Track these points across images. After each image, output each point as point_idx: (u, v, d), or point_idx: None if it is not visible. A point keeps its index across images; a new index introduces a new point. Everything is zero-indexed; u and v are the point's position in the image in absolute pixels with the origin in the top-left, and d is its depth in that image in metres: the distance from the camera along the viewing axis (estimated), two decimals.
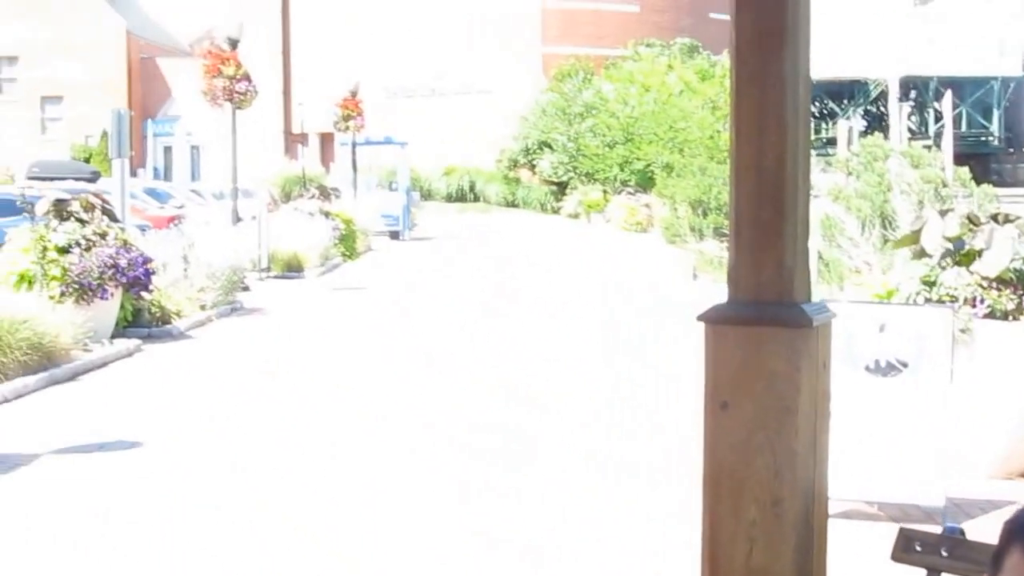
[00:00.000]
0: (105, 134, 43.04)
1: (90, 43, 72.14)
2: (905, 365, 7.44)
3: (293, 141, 71.59)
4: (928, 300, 9.52)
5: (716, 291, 15.42)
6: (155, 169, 63.88)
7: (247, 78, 23.18)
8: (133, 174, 61.55)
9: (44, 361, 12.70)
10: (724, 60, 55.71)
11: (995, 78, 54.50)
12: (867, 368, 7.49)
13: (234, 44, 23.44)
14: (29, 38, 72.06)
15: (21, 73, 73.66)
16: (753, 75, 2.82)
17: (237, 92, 23.05)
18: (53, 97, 73.08)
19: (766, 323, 2.78)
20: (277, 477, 8.89)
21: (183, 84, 66.94)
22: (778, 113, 2.78)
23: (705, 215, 31.61)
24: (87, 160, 55.82)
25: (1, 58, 73.74)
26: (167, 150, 66.84)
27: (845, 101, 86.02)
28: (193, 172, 62.75)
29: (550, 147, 56.16)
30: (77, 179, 37.17)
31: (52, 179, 36.84)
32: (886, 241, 17.20)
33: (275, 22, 72.49)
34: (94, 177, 37.49)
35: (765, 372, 2.76)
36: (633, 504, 8.08)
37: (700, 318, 2.89)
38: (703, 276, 24.78)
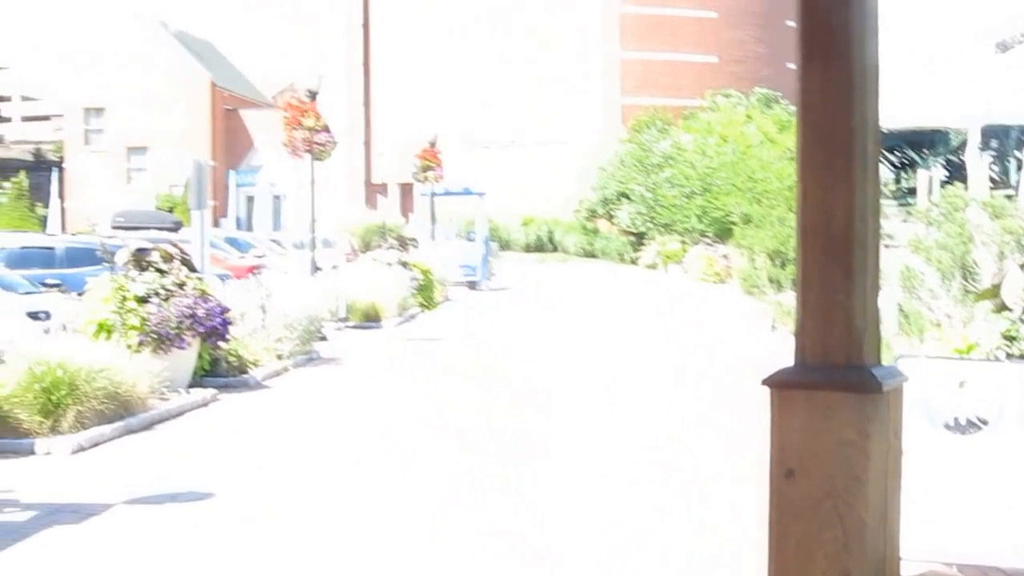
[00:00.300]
0: (188, 184, 43.62)
1: (175, 95, 73.35)
2: (985, 422, 7.24)
3: (373, 191, 72.17)
4: (1009, 355, 9.28)
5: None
6: (237, 219, 64.59)
7: (326, 129, 23.36)
8: (216, 224, 62.50)
9: (120, 410, 12.77)
10: None
11: None
12: (946, 426, 7.30)
13: (313, 96, 23.64)
14: (115, 90, 73.44)
15: (108, 124, 75.04)
16: (820, 130, 2.72)
17: (316, 143, 23.21)
18: (138, 148, 74.31)
19: (834, 388, 2.67)
20: (351, 534, 8.82)
21: (266, 135, 67.84)
22: (846, 170, 2.68)
23: (783, 266, 31.33)
24: (171, 210, 56.57)
25: (88, 109, 75.15)
26: (250, 200, 67.59)
27: (925, 150, 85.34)
28: (275, 222, 63.21)
29: (628, 197, 56.10)
30: (160, 229, 37.72)
31: (136, 228, 37.44)
32: (967, 293, 16.89)
33: (357, 74, 73.27)
34: (176, 227, 37.97)
35: (833, 439, 2.65)
36: None
37: (765, 382, 2.78)
38: (781, 328, 24.50)
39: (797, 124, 2.80)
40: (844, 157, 2.72)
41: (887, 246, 28.77)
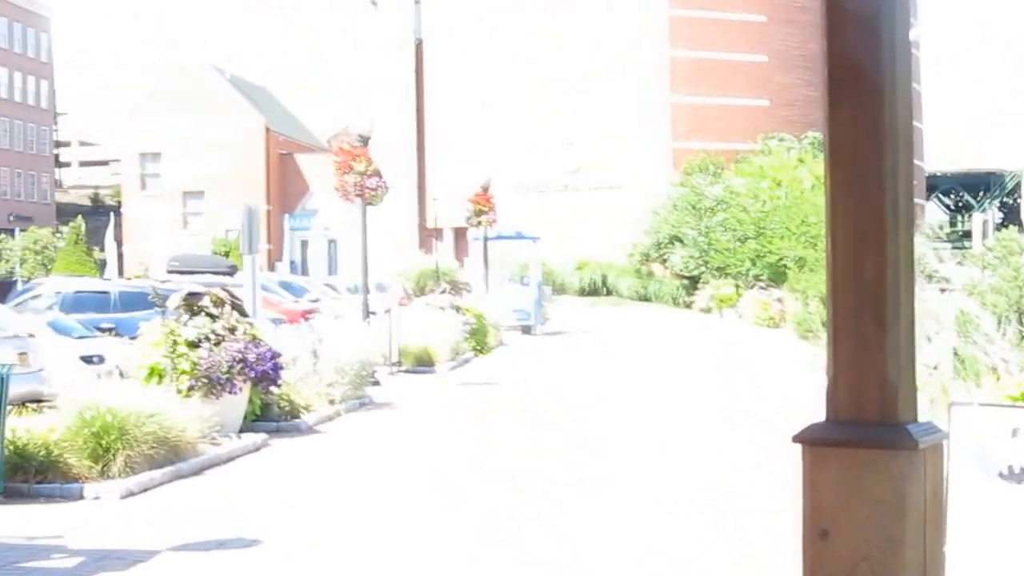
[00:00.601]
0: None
1: (231, 140, 74.15)
2: None
3: (428, 235, 72.41)
4: None
5: None
6: (292, 263, 65.07)
7: (377, 174, 23.43)
8: (271, 268, 62.94)
9: (171, 455, 12.81)
10: None
11: None
12: (1000, 475, 7.15)
13: (365, 140, 23.73)
14: (171, 135, 74.34)
15: (164, 169, 75.94)
16: (849, 178, 2.66)
17: (368, 188, 23.29)
18: (194, 192, 75.11)
19: (868, 445, 2.59)
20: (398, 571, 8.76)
21: (320, 179, 68.35)
22: (877, 219, 2.62)
23: None
24: (226, 254, 57.00)
25: (145, 154, 76.09)
26: (304, 244, 68.14)
27: (981, 193, 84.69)
28: (330, 266, 63.64)
29: (681, 241, 55.97)
30: (215, 273, 37.91)
31: (191, 273, 37.65)
32: (1023, 338, 16.65)
33: (410, 119, 73.71)
34: (231, 271, 38.16)
35: (868, 499, 2.57)
36: None
37: (796, 439, 2.71)
38: None
39: (825, 172, 2.73)
40: (875, 206, 2.65)
41: (943, 290, 28.49)
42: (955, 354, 17.69)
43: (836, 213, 2.71)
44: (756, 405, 19.37)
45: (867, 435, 2.63)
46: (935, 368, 19.58)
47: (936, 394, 16.08)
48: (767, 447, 14.80)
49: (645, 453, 14.63)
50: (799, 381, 22.93)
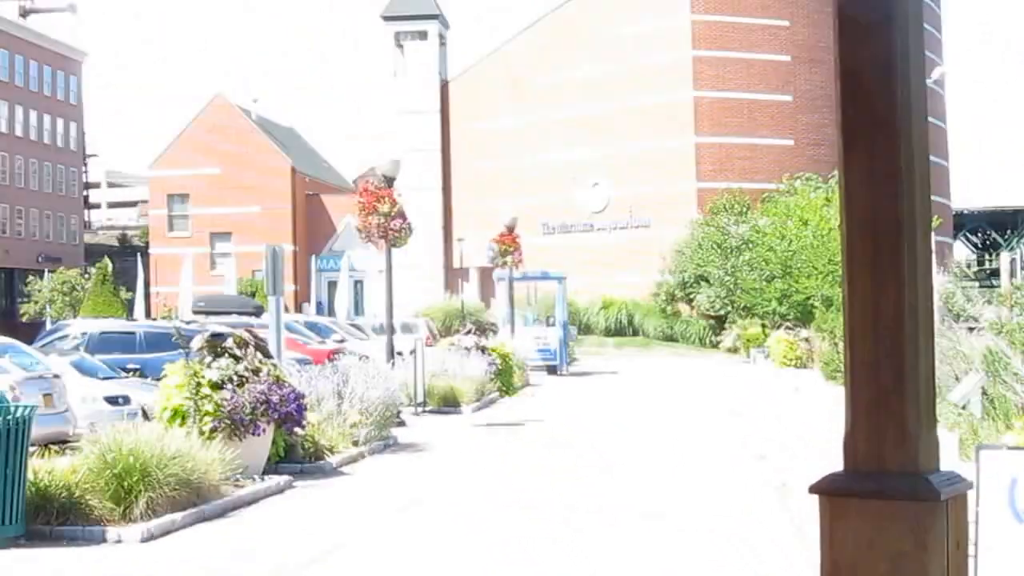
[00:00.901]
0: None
1: (258, 181, 74.54)
2: None
3: (455, 275, 72.50)
4: None
5: None
6: (319, 303, 65.19)
7: (402, 215, 23.41)
8: (298, 308, 63.08)
9: (193, 497, 12.76)
10: None
11: None
12: None
13: (390, 182, 23.75)
14: (199, 176, 74.79)
15: (192, 210, 76.31)
16: (865, 223, 2.59)
17: (392, 229, 23.27)
18: (222, 233, 75.40)
19: (888, 496, 2.51)
20: None
21: (347, 220, 68.48)
22: (894, 264, 2.54)
23: None
24: (252, 295, 57.13)
25: (173, 196, 76.54)
26: (331, 284, 68.26)
27: (1008, 231, 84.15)
28: (356, 306, 63.80)
29: (707, 281, 55.82)
30: (241, 313, 38.00)
31: (217, 313, 37.76)
32: None
33: (435, 161, 73.93)
34: (258, 311, 38.22)
35: (889, 551, 2.48)
36: None
37: (813, 489, 2.64)
38: None
39: (841, 217, 2.66)
40: (892, 251, 2.58)
41: (970, 329, 28.31)
42: (984, 393, 17.54)
43: (852, 259, 2.64)
44: (778, 444, 19.21)
45: (887, 486, 2.55)
46: (964, 408, 19.40)
47: (966, 434, 15.91)
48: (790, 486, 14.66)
49: (669, 498, 14.49)
50: (827, 419, 22.76)
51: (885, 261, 2.58)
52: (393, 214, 23.07)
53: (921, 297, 2.61)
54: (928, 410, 2.61)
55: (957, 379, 22.48)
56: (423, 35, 76.29)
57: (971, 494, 2.82)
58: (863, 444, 2.60)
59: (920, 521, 2.50)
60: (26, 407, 11.42)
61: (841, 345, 32.08)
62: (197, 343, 15.71)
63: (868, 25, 2.63)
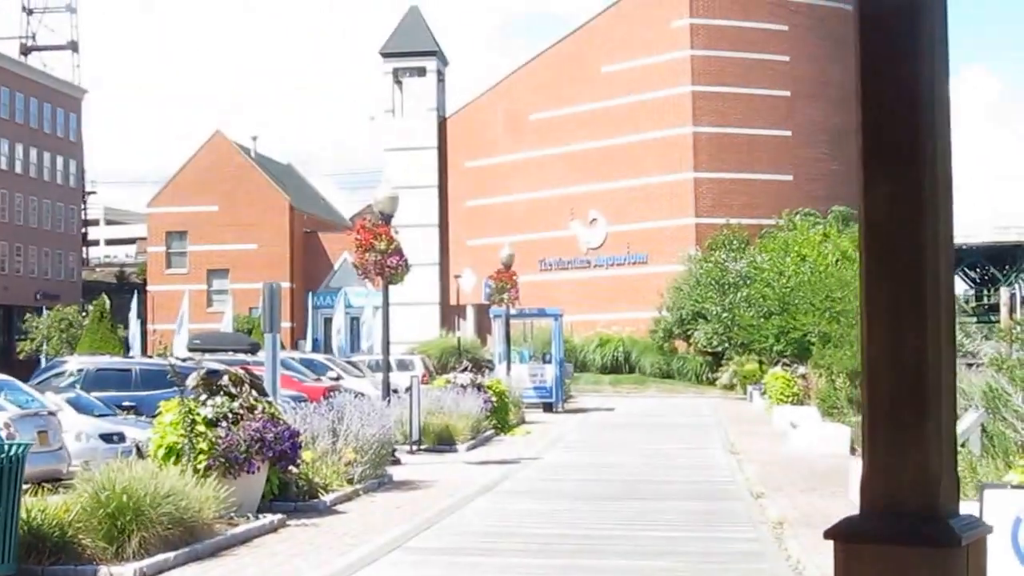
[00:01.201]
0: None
1: (255, 218, 74.62)
2: None
3: (450, 312, 72.40)
4: None
5: None
6: (315, 340, 65.02)
7: (399, 252, 23.26)
8: (294, 345, 62.89)
9: (186, 536, 12.61)
10: None
11: None
12: None
13: (387, 219, 23.62)
14: (197, 213, 74.87)
15: (190, 247, 76.33)
16: (885, 254, 2.47)
17: (388, 267, 23.11)
18: (219, 270, 75.40)
19: (906, 542, 2.39)
20: None
21: (344, 257, 68.50)
22: (916, 297, 2.43)
23: None
24: (249, 332, 56.98)
25: (171, 233, 76.52)
26: (327, 321, 68.10)
27: (1007, 266, 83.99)
28: (352, 343, 63.66)
29: (704, 318, 55.69)
30: (236, 351, 37.87)
31: (213, 350, 37.63)
32: None
33: (432, 197, 73.98)
34: (253, 349, 38.10)
35: None
36: None
37: (828, 534, 2.52)
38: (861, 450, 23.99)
39: (860, 249, 2.55)
40: (913, 283, 2.47)
41: (969, 365, 28.21)
42: (983, 430, 17.41)
43: (872, 292, 2.52)
44: (775, 482, 19.06)
45: (906, 530, 2.43)
46: (963, 445, 19.26)
47: (964, 472, 15.78)
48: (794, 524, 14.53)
49: (660, 537, 14.35)
50: (827, 456, 22.61)
51: (907, 294, 2.47)
52: (390, 251, 22.93)
53: (944, 331, 2.50)
54: (950, 449, 2.50)
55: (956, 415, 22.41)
56: (422, 71, 76.51)
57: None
58: (881, 486, 2.48)
59: (940, 567, 2.38)
60: (19, 445, 11.29)
61: (838, 382, 32.07)
62: (192, 380, 15.56)
63: (891, 51, 2.54)
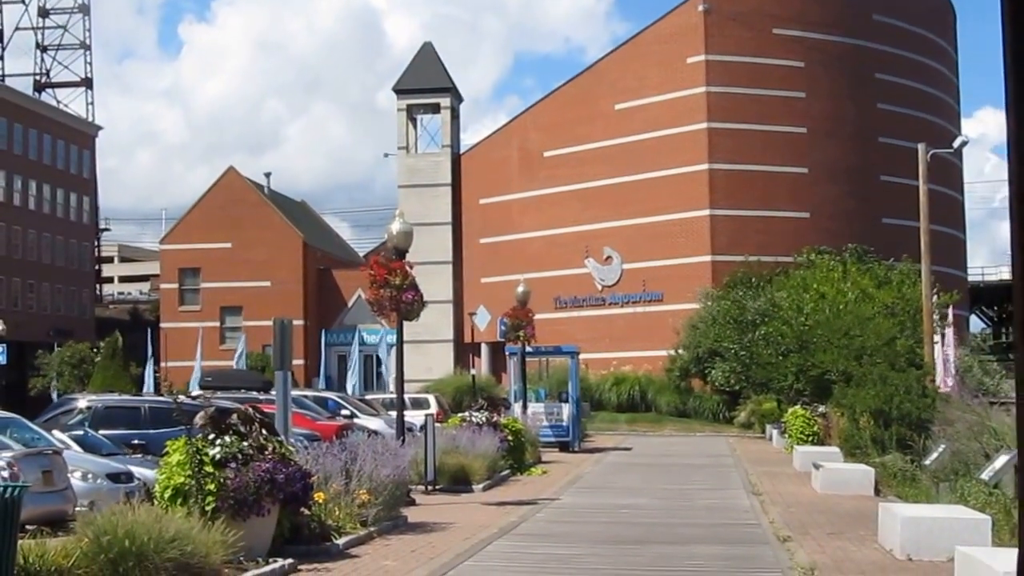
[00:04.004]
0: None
1: (269, 255, 74.40)
2: None
3: (465, 350, 71.98)
4: None
5: (902, 507, 14.18)
6: (328, 378, 64.62)
7: (414, 288, 22.83)
8: (307, 383, 62.51)
9: None
10: (901, 265, 54.30)
11: None
12: None
13: (401, 254, 23.22)
14: (211, 250, 74.70)
15: (203, 284, 76.11)
16: None
17: (403, 302, 22.66)
18: (232, 307, 75.12)
19: None
20: None
21: (357, 294, 68.19)
22: None
23: (887, 426, 30.09)
24: (262, 369, 56.62)
25: (184, 270, 76.31)
26: (341, 359, 67.82)
27: None
28: (366, 381, 63.33)
29: (721, 356, 55.13)
30: (248, 389, 37.51)
31: (224, 388, 37.26)
32: None
33: (446, 234, 73.71)
34: (266, 387, 37.72)
35: None
36: None
37: None
38: (886, 491, 23.46)
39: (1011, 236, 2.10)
40: None
41: (991, 403, 27.60)
42: (1017, 472, 16.85)
43: None
44: (800, 525, 18.54)
45: None
46: (995, 487, 18.70)
47: (999, 516, 15.25)
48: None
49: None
50: (851, 499, 22.09)
51: None
52: (405, 286, 22.50)
53: None
54: None
55: (987, 456, 21.83)
56: (435, 108, 76.41)
57: None
58: None
59: None
60: (15, 487, 10.81)
61: (861, 421, 31.44)
62: (200, 419, 15.09)
63: None
